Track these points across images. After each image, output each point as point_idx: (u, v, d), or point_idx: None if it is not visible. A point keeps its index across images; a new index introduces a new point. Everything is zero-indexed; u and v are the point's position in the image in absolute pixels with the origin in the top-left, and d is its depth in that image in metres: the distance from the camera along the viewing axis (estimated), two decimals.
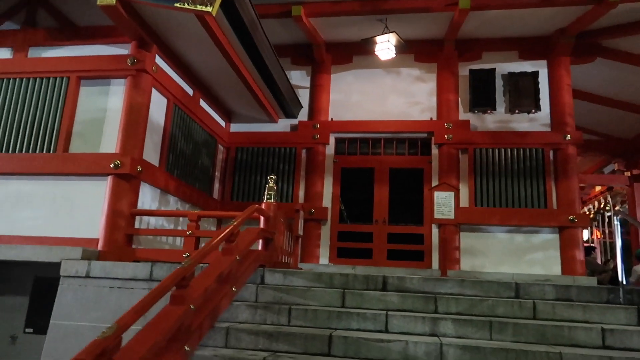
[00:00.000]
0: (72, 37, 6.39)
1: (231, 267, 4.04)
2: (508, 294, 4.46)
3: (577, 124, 10.99)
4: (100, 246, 5.42)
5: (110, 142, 5.90)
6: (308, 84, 9.04)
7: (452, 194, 6.93)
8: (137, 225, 5.86)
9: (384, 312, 4.00)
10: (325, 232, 8.24)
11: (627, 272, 8.21)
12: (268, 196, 5.49)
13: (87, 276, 5.01)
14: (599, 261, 11.12)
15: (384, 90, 8.74)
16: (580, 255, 7.47)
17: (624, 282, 4.36)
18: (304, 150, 8.65)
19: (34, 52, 6.47)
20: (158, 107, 6.49)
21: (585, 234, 13.95)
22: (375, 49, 7.35)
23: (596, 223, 12.88)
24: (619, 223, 4.58)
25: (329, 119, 8.68)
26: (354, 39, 8.32)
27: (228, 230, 4.07)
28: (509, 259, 7.66)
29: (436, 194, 6.95)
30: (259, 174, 8.69)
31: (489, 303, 4.18)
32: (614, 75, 9.05)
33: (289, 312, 4.05)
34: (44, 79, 6.22)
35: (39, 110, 6.10)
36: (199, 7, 5.27)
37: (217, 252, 4.25)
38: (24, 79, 6.25)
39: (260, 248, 5.28)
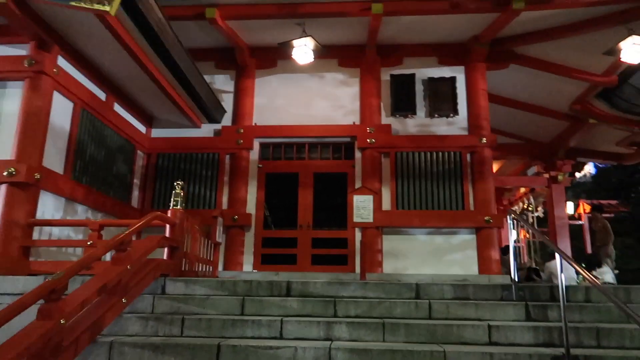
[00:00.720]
0: None
1: (120, 277, 3.85)
2: (409, 295, 4.51)
3: (500, 128, 11.49)
4: None
5: (5, 148, 5.53)
6: (232, 88, 8.91)
7: (370, 197, 6.97)
8: (37, 236, 5.53)
9: (281, 318, 3.93)
10: (250, 238, 8.11)
11: (539, 269, 8.59)
12: (174, 203, 5.33)
13: None
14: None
15: (309, 95, 8.73)
16: (495, 254, 7.72)
17: (517, 279, 4.52)
18: (227, 156, 8.49)
19: None
20: (62, 111, 6.16)
21: (514, 234, 14.52)
22: (293, 53, 7.33)
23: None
24: (511, 222, 4.77)
25: (253, 124, 8.57)
26: (277, 43, 8.28)
27: (116, 239, 3.88)
28: (429, 260, 7.80)
29: (355, 197, 6.98)
30: (181, 181, 8.42)
31: (387, 305, 4.21)
32: (529, 81, 9.46)
33: (182, 322, 3.91)
34: None
35: None
36: (96, 7, 5.06)
37: (106, 262, 4.05)
38: None
39: (165, 256, 5.10)
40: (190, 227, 5.88)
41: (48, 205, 5.80)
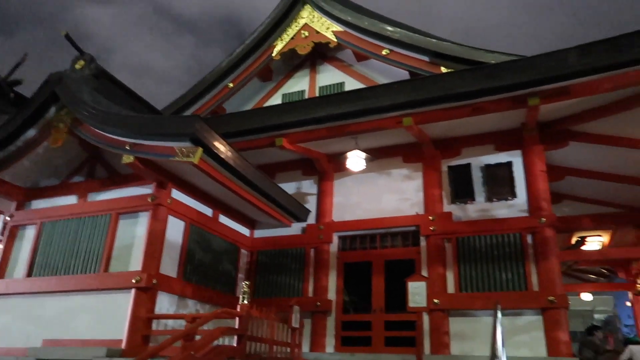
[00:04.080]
0: (116, 183, 8.62)
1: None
2: None
3: (603, 199, 11.18)
4: (123, 345, 7.07)
5: (136, 262, 7.74)
6: (316, 191, 10.55)
7: (423, 284, 7.70)
8: (155, 327, 7.49)
9: None
10: (331, 322, 9.25)
11: None
12: (242, 298, 6.86)
13: None
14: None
15: (379, 190, 9.93)
16: (564, 336, 7.66)
17: None
18: (312, 250, 9.97)
19: (91, 197, 8.79)
20: (175, 229, 8.33)
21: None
22: (347, 164, 8.76)
23: None
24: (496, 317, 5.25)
25: (332, 220, 9.99)
26: (349, 150, 9.76)
27: (182, 332, 5.49)
28: None
29: (410, 284, 7.77)
30: (276, 273, 10.11)
31: None
32: (607, 153, 9.36)
33: None
34: (95, 217, 8.41)
35: (90, 241, 8.23)
36: (185, 159, 7.18)
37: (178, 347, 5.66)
38: (83, 218, 8.51)
39: (235, 342, 6.59)
40: (266, 315, 7.36)
41: (164, 303, 7.80)
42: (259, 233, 10.66)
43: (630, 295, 13.72)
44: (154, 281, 7.48)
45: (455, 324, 8.38)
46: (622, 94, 7.68)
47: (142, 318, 7.27)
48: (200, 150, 7.16)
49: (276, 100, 12.84)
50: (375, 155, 9.72)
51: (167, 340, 5.27)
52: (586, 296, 15.82)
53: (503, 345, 5.41)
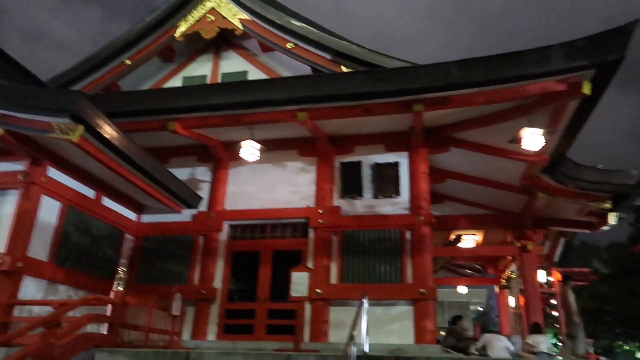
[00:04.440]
0: None
1: (44, 348, 5.08)
2: None
3: (477, 200, 12.17)
4: None
5: (0, 244, 7.14)
6: (210, 178, 10.39)
7: (306, 274, 7.95)
8: (19, 314, 6.95)
9: None
10: (215, 310, 9.21)
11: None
12: (116, 285, 6.61)
13: None
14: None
15: (273, 182, 10.03)
16: (431, 325, 8.33)
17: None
18: (201, 237, 9.83)
19: None
20: (49, 210, 7.78)
21: (512, 301, 14.70)
22: (240, 153, 8.76)
23: (511, 290, 13.65)
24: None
25: (224, 209, 9.92)
26: (246, 139, 9.73)
27: (41, 319, 5.17)
28: (371, 330, 8.43)
29: (294, 274, 7.98)
30: (162, 260, 9.84)
31: None
32: (480, 159, 10.26)
33: None
34: None
35: None
36: (63, 136, 6.74)
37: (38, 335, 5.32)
38: None
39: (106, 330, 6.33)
40: (143, 302, 7.15)
41: (30, 288, 7.27)
42: (146, 218, 10.29)
43: (496, 288, 15.21)
44: (19, 264, 6.95)
45: (335, 313, 8.74)
46: (494, 108, 8.44)
47: (2, 304, 6.72)
48: (81, 128, 6.77)
49: (176, 82, 12.40)
50: (272, 147, 9.78)
51: (23, 327, 4.93)
52: (462, 289, 17.25)
53: (367, 334, 5.75)
